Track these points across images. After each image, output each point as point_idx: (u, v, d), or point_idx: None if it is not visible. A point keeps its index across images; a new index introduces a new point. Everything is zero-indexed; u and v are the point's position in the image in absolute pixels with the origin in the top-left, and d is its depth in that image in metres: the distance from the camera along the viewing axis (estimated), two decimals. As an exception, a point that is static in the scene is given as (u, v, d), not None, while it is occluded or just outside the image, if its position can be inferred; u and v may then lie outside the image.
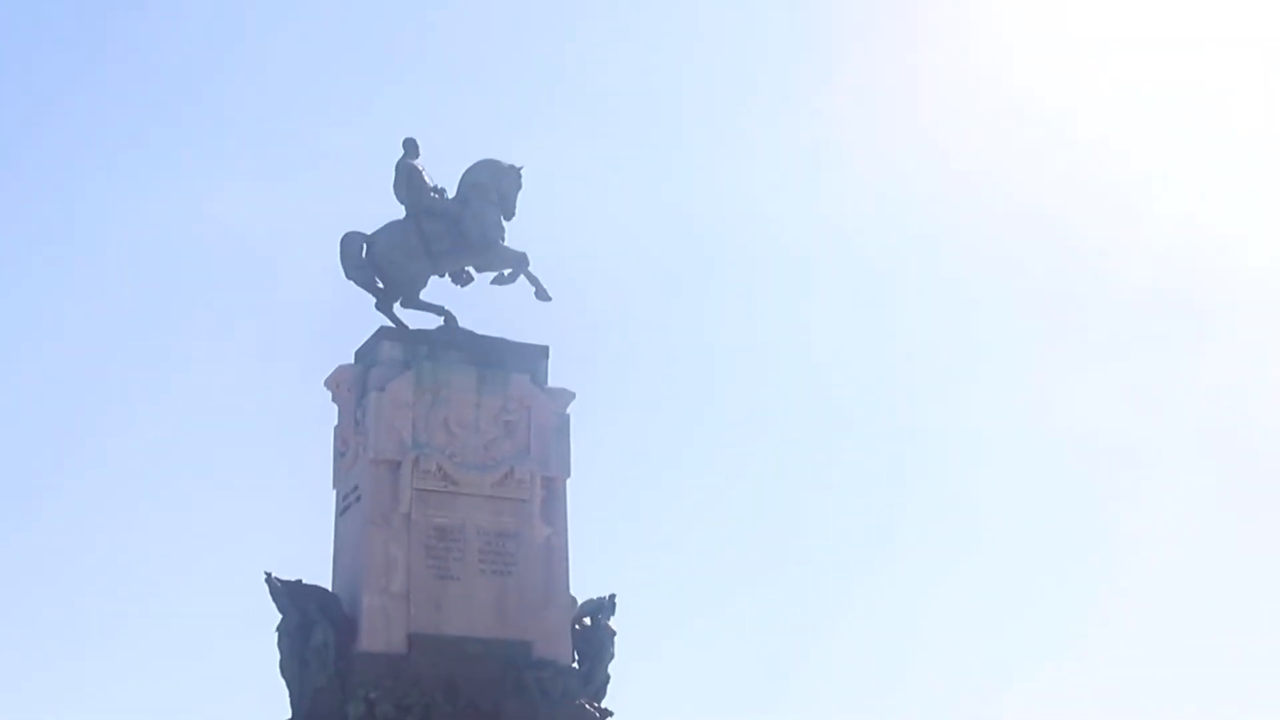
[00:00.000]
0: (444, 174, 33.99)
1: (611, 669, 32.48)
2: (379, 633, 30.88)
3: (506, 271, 34.04)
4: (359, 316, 34.06)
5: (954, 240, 57.17)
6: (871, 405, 55.35)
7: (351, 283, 33.45)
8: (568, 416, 33.02)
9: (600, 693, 32.26)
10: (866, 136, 56.89)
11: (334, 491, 33.07)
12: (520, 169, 34.23)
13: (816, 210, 55.51)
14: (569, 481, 32.72)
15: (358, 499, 32.02)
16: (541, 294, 34.14)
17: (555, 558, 32.24)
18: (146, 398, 58.19)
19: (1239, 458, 51.67)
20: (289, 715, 31.08)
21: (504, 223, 34.09)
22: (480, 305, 34.06)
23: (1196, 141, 55.39)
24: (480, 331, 33.37)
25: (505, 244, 33.97)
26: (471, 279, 34.33)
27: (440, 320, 33.50)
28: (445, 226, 33.63)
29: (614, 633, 32.72)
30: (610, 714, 31.76)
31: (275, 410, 53.31)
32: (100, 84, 62.44)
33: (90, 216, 59.83)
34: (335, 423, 33.22)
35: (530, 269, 34.06)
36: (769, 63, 59.18)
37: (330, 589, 31.79)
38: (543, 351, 33.36)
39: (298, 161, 59.65)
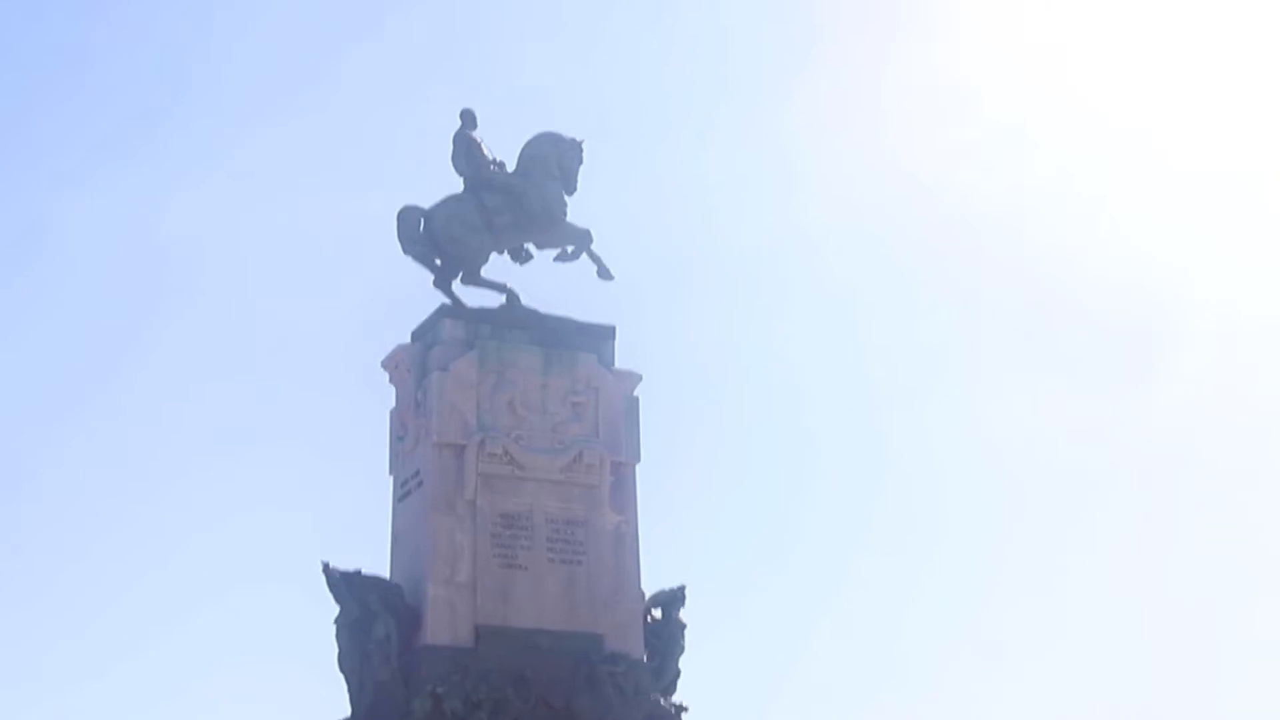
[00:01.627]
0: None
1: (681, 663, 31.09)
2: (444, 625, 29.31)
3: (569, 248, 32.54)
4: (406, 300, 32.89)
5: (913, 259, 56.49)
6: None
7: (409, 258, 31.94)
8: (636, 399, 31.51)
9: (671, 688, 30.77)
10: (831, 153, 55.84)
11: (390, 478, 31.52)
12: (582, 142, 32.77)
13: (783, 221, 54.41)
14: (638, 467, 31.24)
15: (419, 484, 30.46)
16: (604, 273, 32.66)
17: (625, 547, 30.69)
18: (189, 385, 56.59)
19: (1187, 485, 50.81)
20: (349, 711, 29.59)
21: (566, 198, 32.62)
22: (538, 284, 32.63)
23: (1155, 172, 54.72)
24: (541, 311, 31.88)
25: (568, 220, 32.47)
26: (531, 257, 32.83)
27: (502, 298, 31.98)
28: (506, 200, 32.11)
29: (684, 626, 31.26)
30: (685, 710, 30.27)
31: (324, 395, 52.02)
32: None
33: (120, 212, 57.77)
34: (392, 405, 31.69)
35: (592, 247, 32.61)
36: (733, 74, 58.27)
37: (389, 579, 30.24)
38: (609, 332, 31.82)
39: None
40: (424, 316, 31.88)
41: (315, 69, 60.86)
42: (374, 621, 29.37)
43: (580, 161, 32.74)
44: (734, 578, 49.82)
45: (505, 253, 32.60)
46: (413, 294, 32.61)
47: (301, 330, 56.29)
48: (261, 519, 51.86)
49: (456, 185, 32.29)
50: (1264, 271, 53.42)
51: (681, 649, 31.12)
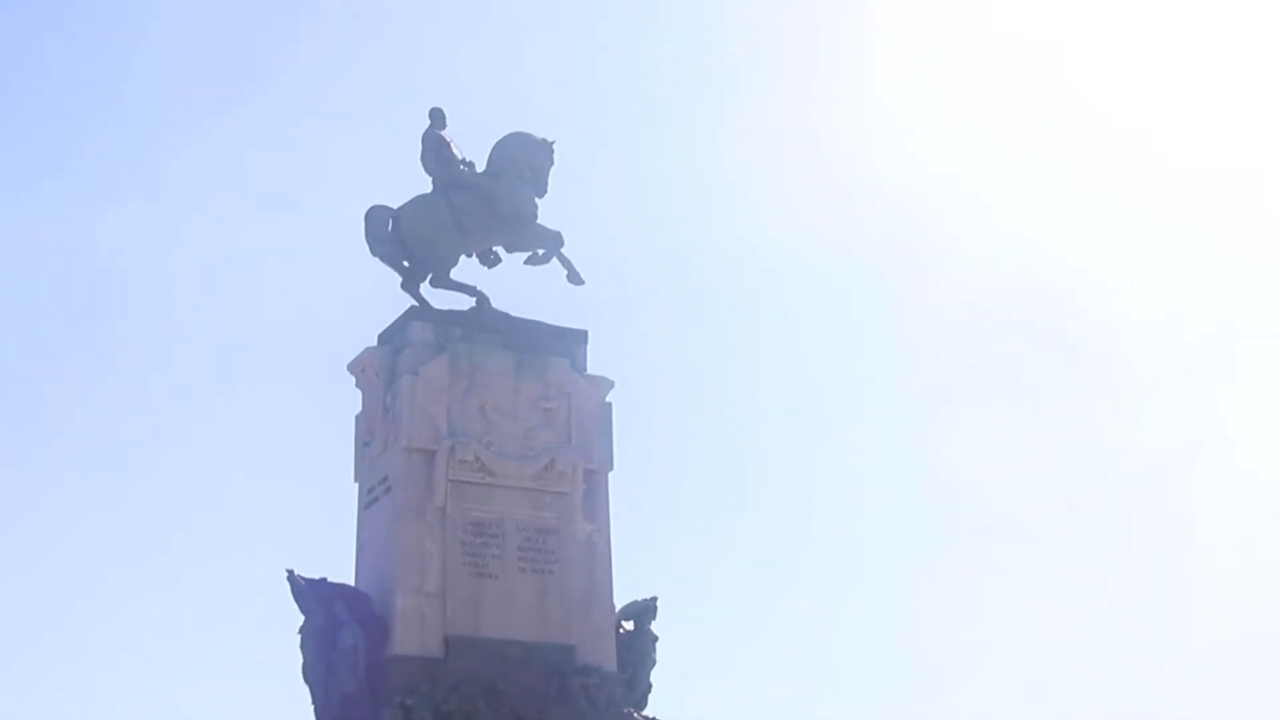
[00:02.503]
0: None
1: (653, 676, 30.40)
2: (413, 635, 28.49)
3: (540, 251, 31.80)
4: (370, 302, 32.18)
5: (853, 280, 56.07)
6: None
7: (376, 259, 31.18)
8: (609, 405, 30.80)
9: (642, 702, 30.09)
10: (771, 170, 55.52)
11: (356, 484, 30.67)
12: (553, 143, 32.05)
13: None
14: (611, 475, 30.53)
15: (387, 491, 29.65)
16: (574, 277, 31.93)
17: (598, 556, 29.97)
18: (149, 392, 55.59)
19: (1106, 499, 50.68)
20: (313, 724, 28.76)
21: (536, 200, 31.89)
22: (508, 288, 31.90)
23: (1087, 198, 54.74)
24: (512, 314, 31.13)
25: (539, 222, 31.76)
26: (500, 260, 32.11)
27: (472, 301, 31.23)
28: (476, 201, 31.37)
29: (656, 638, 30.57)
30: (658, 724, 29.57)
31: (286, 400, 51.17)
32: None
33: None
34: (358, 410, 30.87)
35: (563, 250, 31.90)
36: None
37: (356, 588, 29.39)
38: (581, 336, 31.11)
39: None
40: (390, 319, 31.14)
41: (268, 62, 59.96)
42: (340, 631, 28.54)
43: (551, 163, 32.02)
44: (706, 590, 49.13)
45: (474, 256, 31.89)
46: (378, 297, 32.02)
47: (261, 335, 55.47)
48: (223, 527, 51.02)
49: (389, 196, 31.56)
50: (1199, 288, 53.42)
51: (653, 662, 30.47)
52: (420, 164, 31.67)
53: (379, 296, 32.11)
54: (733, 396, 55.18)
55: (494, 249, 31.98)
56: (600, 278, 33.22)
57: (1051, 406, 51.63)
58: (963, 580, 50.26)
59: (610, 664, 29.43)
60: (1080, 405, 51.66)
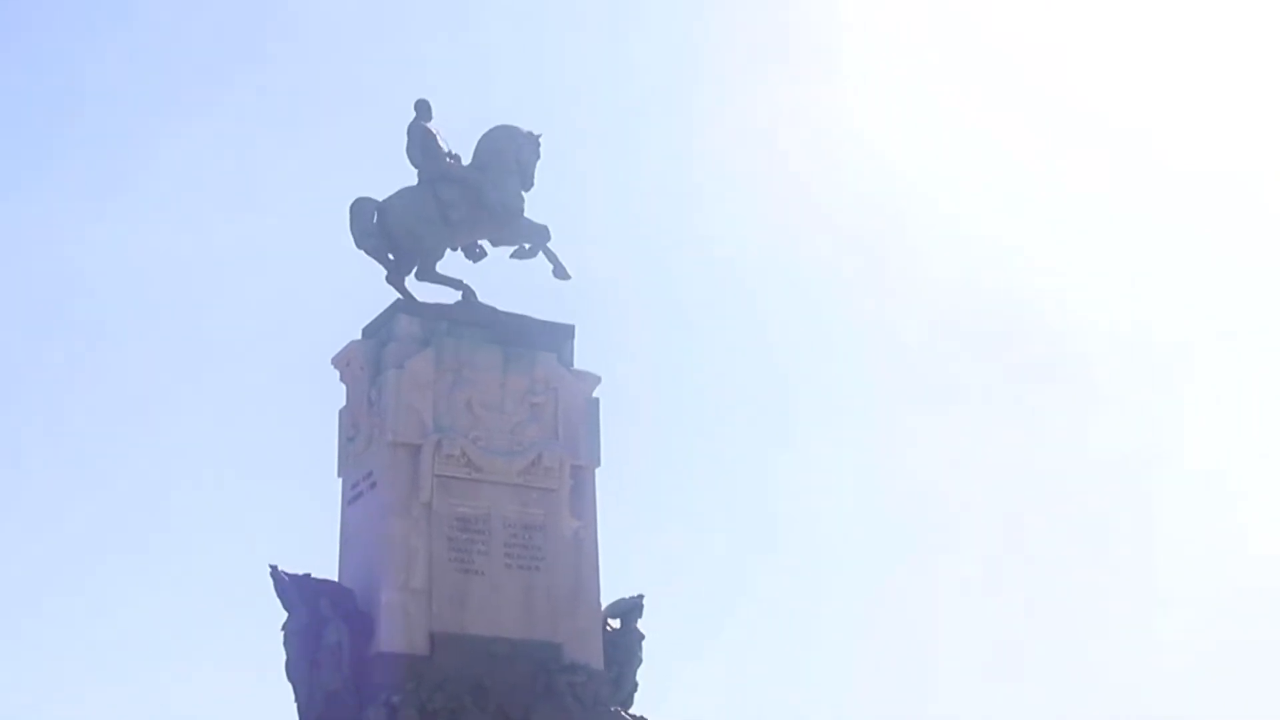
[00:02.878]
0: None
1: (640, 675, 30.07)
2: (399, 632, 28.13)
3: (527, 245, 31.48)
4: (354, 296, 31.83)
5: (818, 287, 55.86)
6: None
7: (361, 252, 30.80)
8: (596, 401, 30.49)
9: (629, 700, 29.76)
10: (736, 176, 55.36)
11: (340, 479, 30.31)
12: (539, 136, 31.73)
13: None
14: (598, 471, 30.22)
15: (371, 486, 29.29)
16: (560, 272, 31.61)
17: (585, 553, 29.65)
18: (129, 388, 55.04)
19: (1069, 503, 50.63)
20: (296, 722, 28.38)
21: (523, 194, 31.56)
22: (493, 282, 31.55)
23: (1050, 205, 54.68)
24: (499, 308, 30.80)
25: (526, 216, 31.44)
26: (485, 254, 31.75)
27: (458, 295, 30.88)
28: (463, 194, 31.01)
29: (643, 636, 30.27)
30: (646, 722, 29.26)
31: (268, 395, 50.75)
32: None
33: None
34: (342, 404, 30.51)
35: (549, 244, 31.59)
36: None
37: (341, 584, 29.01)
38: (568, 331, 30.78)
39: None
40: (374, 313, 30.78)
41: (246, 57, 59.54)
42: (324, 627, 28.17)
43: (537, 156, 31.68)
44: (694, 587, 48.79)
45: (460, 250, 31.54)
46: (361, 291, 31.69)
47: (243, 328, 54.94)
48: (205, 522, 50.59)
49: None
50: (1158, 296, 53.41)
51: (639, 660, 30.15)
52: (406, 156, 31.32)
53: (363, 290, 31.88)
54: (714, 394, 54.95)
55: (480, 243, 31.64)
56: (586, 273, 32.70)
57: (1014, 413, 51.62)
58: (934, 580, 50.15)
59: (597, 662, 29.12)
60: (1042, 412, 51.61)
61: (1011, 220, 54.03)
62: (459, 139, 31.74)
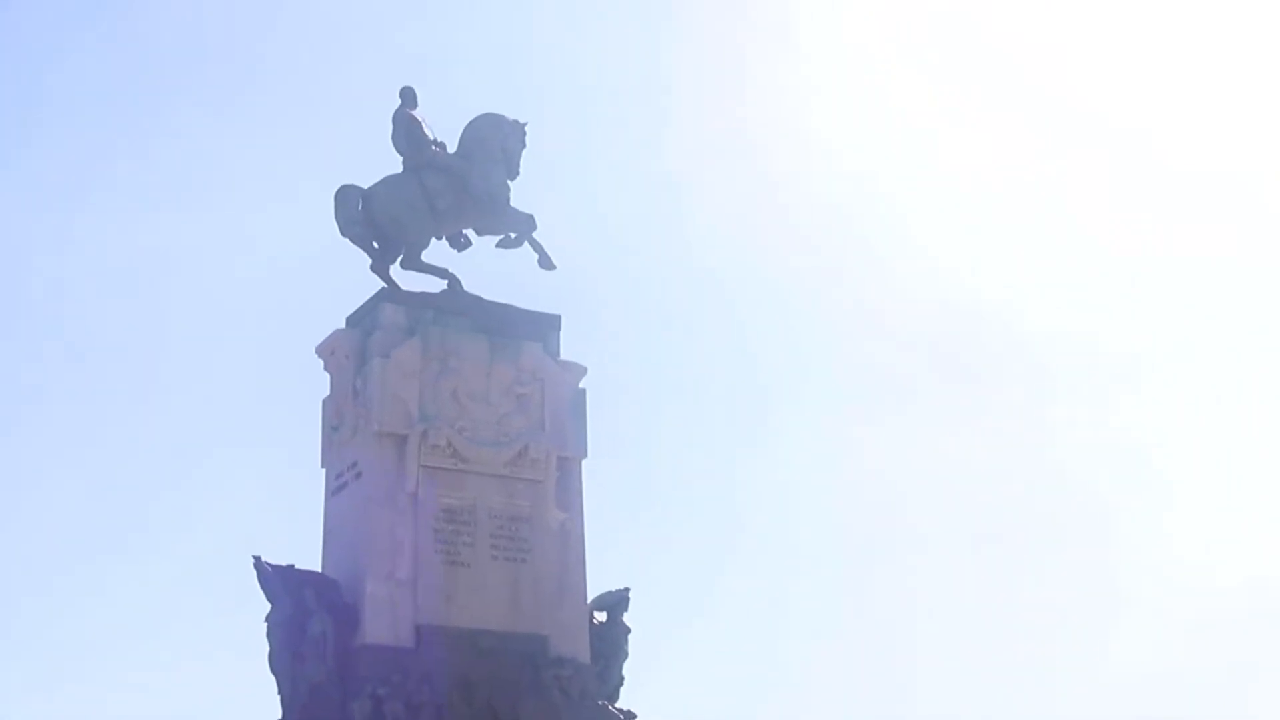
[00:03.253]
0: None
1: (625, 669, 29.79)
2: (384, 624, 27.79)
3: (513, 235, 31.15)
4: (335, 287, 31.33)
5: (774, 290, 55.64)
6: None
7: (346, 240, 30.45)
8: (583, 391, 30.18)
9: (614, 694, 29.47)
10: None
11: (323, 470, 29.92)
12: (525, 125, 31.41)
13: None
14: (585, 463, 29.92)
15: (356, 476, 28.92)
16: (545, 262, 31.27)
17: (571, 545, 29.35)
18: (110, 377, 54.47)
19: (1023, 513, 50.59)
20: (279, 714, 27.95)
21: (509, 183, 31.23)
22: (477, 272, 31.20)
23: (989, 210, 54.56)
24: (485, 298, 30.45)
25: (512, 204, 31.11)
26: (470, 243, 31.42)
27: (443, 284, 30.54)
28: (449, 182, 30.67)
29: (629, 630, 29.97)
30: (634, 717, 28.91)
31: (249, 384, 50.34)
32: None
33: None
34: (326, 394, 30.12)
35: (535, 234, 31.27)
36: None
37: (325, 575, 28.64)
38: (554, 321, 30.48)
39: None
40: (357, 303, 30.43)
41: (232, 50, 59.01)
42: (309, 619, 27.79)
43: (523, 145, 31.37)
44: (680, 580, 48.43)
45: (444, 239, 31.19)
46: (344, 280, 31.39)
47: (223, 317, 54.33)
48: (185, 512, 50.02)
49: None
50: (1092, 301, 53.35)
51: (626, 654, 29.86)
52: (391, 144, 30.96)
53: (345, 280, 31.53)
54: (695, 388, 54.52)
55: (465, 232, 31.31)
56: (570, 264, 32.38)
57: (972, 416, 51.44)
58: (905, 576, 49.86)
59: (584, 655, 28.83)
60: (1001, 414, 51.49)
61: (972, 228, 54.12)
62: (444, 127, 31.46)
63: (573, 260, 32.91)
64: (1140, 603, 47.94)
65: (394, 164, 30.98)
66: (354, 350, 29.47)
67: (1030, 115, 53.89)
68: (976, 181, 53.82)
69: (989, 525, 49.77)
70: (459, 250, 31.33)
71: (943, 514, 49.92)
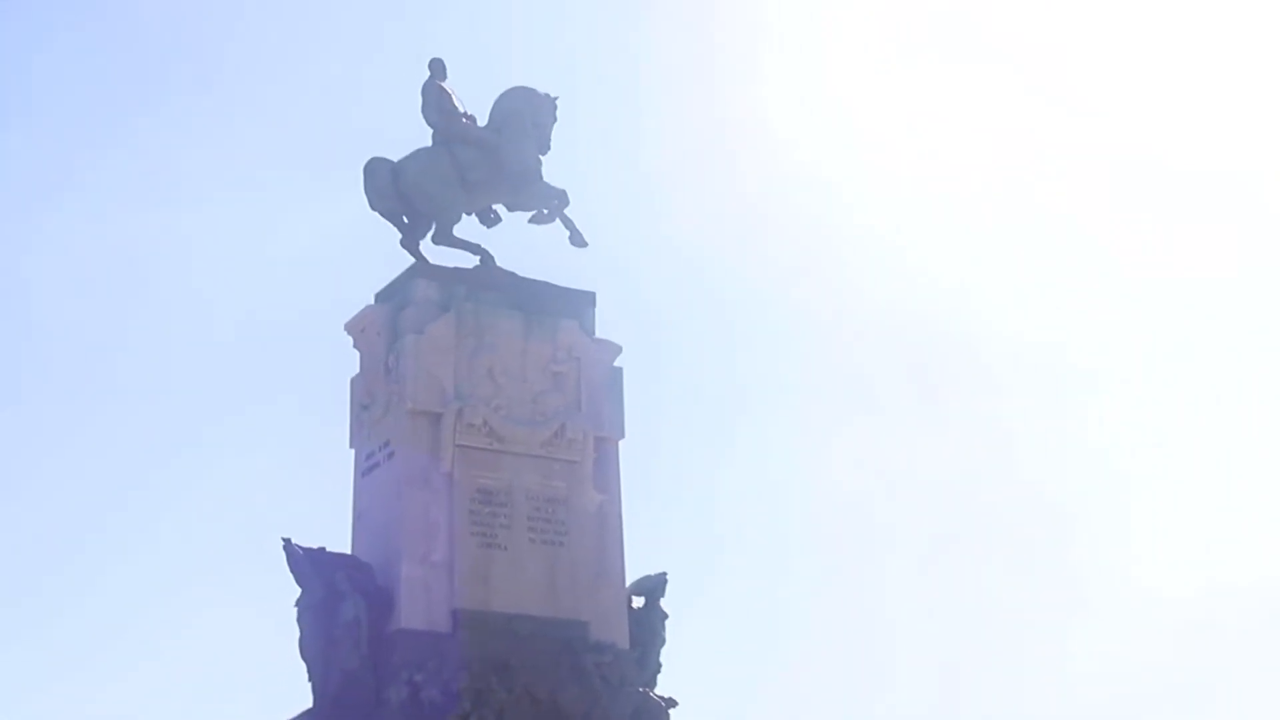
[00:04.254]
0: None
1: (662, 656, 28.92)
2: (419, 608, 26.87)
3: (545, 210, 30.29)
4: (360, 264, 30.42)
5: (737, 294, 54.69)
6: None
7: (376, 214, 29.61)
8: (619, 370, 29.31)
9: (652, 681, 28.56)
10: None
11: (352, 450, 29.00)
12: (556, 99, 30.57)
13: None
14: (622, 444, 29.05)
15: (389, 456, 28.02)
16: (577, 239, 30.43)
17: (609, 528, 28.46)
18: (131, 356, 53.53)
19: (985, 521, 49.95)
20: (310, 702, 27.04)
21: (540, 157, 30.38)
22: (506, 249, 30.31)
23: (953, 215, 53.86)
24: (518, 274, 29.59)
25: (544, 179, 30.25)
26: (499, 219, 30.55)
27: (476, 259, 29.65)
28: (481, 155, 29.79)
29: (666, 615, 29.11)
30: (675, 704, 28.03)
31: (275, 364, 49.56)
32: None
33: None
34: (355, 372, 29.23)
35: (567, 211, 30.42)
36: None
37: (357, 558, 27.73)
38: (589, 298, 29.60)
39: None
40: (382, 280, 29.57)
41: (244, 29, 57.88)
42: (341, 603, 26.86)
43: (554, 119, 30.53)
44: (716, 565, 47.47)
45: (474, 215, 30.33)
46: (370, 258, 30.53)
47: (246, 295, 53.12)
48: (211, 496, 49.06)
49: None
50: (1058, 310, 52.82)
51: (663, 640, 28.99)
52: (421, 116, 30.12)
53: (371, 257, 30.68)
54: (732, 369, 53.20)
55: (494, 208, 30.46)
56: (605, 239, 31.59)
57: (934, 420, 50.74)
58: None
59: (623, 641, 27.95)
60: (959, 419, 50.82)
61: (945, 236, 53.36)
62: (472, 101, 30.63)
63: (603, 237, 32.11)
64: (1100, 607, 47.71)
65: (416, 140, 30.14)
66: (385, 326, 28.55)
67: (1006, 120, 53.25)
68: (948, 188, 53.20)
69: (954, 528, 49.23)
70: (488, 226, 30.47)
71: (909, 517, 49.29)
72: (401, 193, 29.46)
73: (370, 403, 28.52)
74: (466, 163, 29.64)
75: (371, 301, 29.32)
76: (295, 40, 57.71)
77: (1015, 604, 47.90)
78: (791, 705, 42.95)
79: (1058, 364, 51.13)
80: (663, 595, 29.13)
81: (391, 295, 29.04)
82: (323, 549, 27.45)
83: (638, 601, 28.86)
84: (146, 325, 54.48)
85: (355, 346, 29.18)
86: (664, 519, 44.38)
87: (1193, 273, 51.26)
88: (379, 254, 30.46)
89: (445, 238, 29.58)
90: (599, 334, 29.44)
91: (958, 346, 50.89)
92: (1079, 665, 46.18)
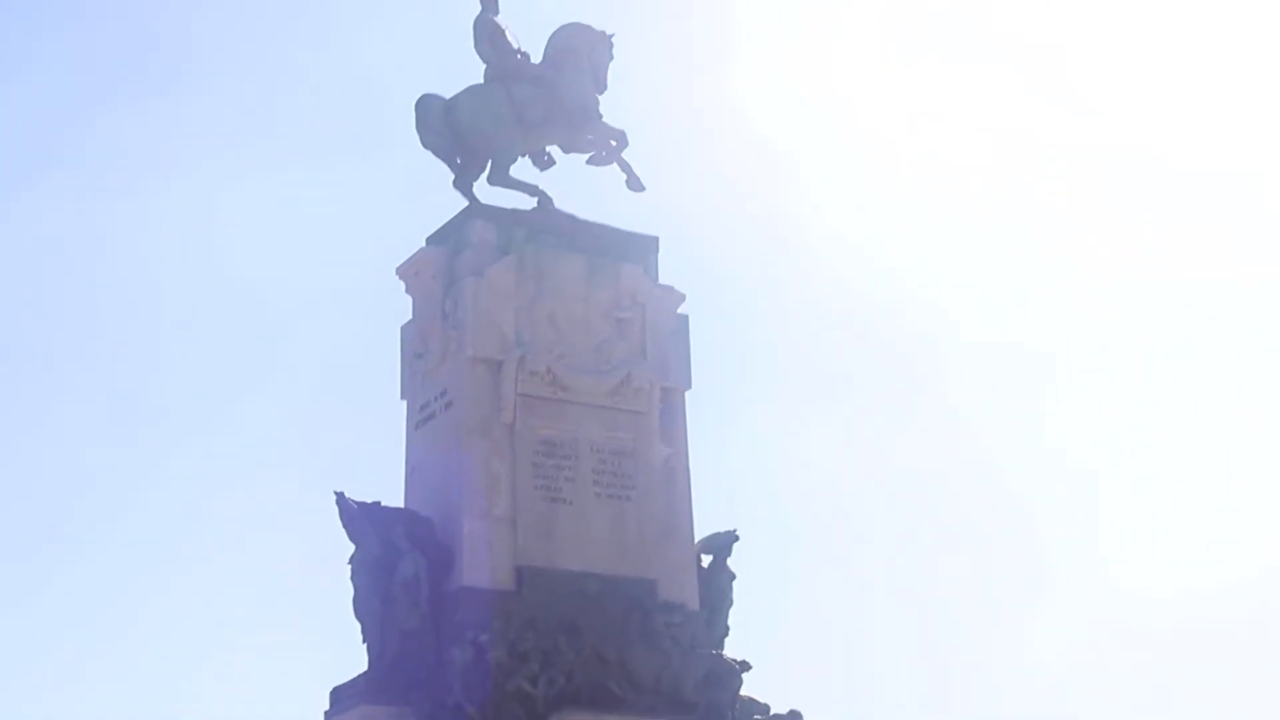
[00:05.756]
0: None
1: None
2: (482, 565, 25.45)
3: (604, 151, 28.85)
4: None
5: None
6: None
7: (428, 152, 28.13)
8: (685, 318, 27.90)
9: (719, 645, 27.13)
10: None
11: (404, 402, 27.56)
12: (613, 36, 29.15)
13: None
14: (688, 394, 27.66)
15: (446, 406, 26.56)
16: (634, 183, 29.05)
17: (676, 482, 27.09)
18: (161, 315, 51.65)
19: (956, 520, 48.84)
20: (365, 664, 25.58)
21: (598, 96, 28.96)
22: (559, 193, 28.83)
23: (922, 212, 52.62)
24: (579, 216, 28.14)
25: (603, 118, 28.83)
26: (553, 162, 29.08)
27: (533, 201, 28.20)
28: (538, 93, 28.32)
29: (734, 575, 27.72)
30: (749, 667, 26.63)
31: (313, 316, 47.60)
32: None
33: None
34: (406, 319, 27.77)
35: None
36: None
37: (416, 512, 26.26)
38: (652, 243, 28.20)
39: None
40: (423, 227, 28.20)
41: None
42: (399, 560, 25.44)
43: (611, 57, 29.14)
44: (785, 523, 45.63)
45: (527, 156, 28.86)
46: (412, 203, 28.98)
47: (286, 241, 51.50)
48: (248, 453, 47.70)
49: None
50: (1024, 308, 51.69)
51: (731, 601, 27.61)
52: (475, 51, 28.66)
53: (416, 202, 29.06)
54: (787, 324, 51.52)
55: (548, 150, 28.99)
56: (665, 182, 30.13)
57: (899, 413, 49.46)
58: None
59: (693, 601, 26.60)
60: (924, 412, 49.55)
61: (917, 236, 52.07)
62: (525, 39, 29.19)
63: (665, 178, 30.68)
64: (1064, 601, 46.75)
65: (475, 75, 28.68)
66: (441, 270, 27.10)
67: (979, 121, 52.10)
68: (918, 187, 51.98)
69: (921, 522, 48.05)
70: (541, 169, 29.01)
71: (878, 510, 48.05)
72: (455, 131, 28.01)
73: (424, 350, 27.06)
74: (523, 100, 28.19)
75: (423, 245, 27.84)
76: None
77: (980, 598, 47.00)
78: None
79: (1024, 364, 50.29)
80: (729, 555, 27.77)
81: (446, 238, 27.58)
82: (378, 503, 26.03)
83: (705, 560, 27.51)
84: (182, 278, 52.71)
85: (407, 292, 27.75)
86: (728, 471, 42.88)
87: (1168, 274, 50.47)
88: (426, 200, 29.06)
89: (501, 178, 28.13)
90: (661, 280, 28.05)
91: (929, 342, 49.82)
92: (1042, 658, 45.37)
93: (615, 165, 29.00)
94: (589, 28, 29.11)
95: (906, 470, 47.83)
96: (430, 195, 28.91)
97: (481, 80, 28.62)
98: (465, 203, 27.92)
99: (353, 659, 25.78)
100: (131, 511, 50.00)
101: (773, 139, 49.53)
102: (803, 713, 26.87)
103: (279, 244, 51.10)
